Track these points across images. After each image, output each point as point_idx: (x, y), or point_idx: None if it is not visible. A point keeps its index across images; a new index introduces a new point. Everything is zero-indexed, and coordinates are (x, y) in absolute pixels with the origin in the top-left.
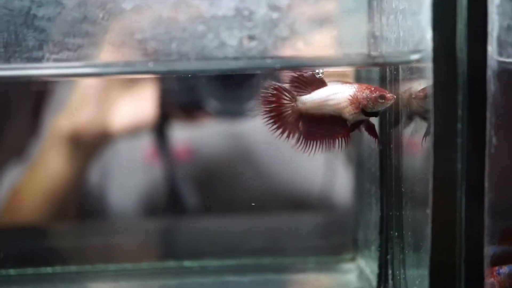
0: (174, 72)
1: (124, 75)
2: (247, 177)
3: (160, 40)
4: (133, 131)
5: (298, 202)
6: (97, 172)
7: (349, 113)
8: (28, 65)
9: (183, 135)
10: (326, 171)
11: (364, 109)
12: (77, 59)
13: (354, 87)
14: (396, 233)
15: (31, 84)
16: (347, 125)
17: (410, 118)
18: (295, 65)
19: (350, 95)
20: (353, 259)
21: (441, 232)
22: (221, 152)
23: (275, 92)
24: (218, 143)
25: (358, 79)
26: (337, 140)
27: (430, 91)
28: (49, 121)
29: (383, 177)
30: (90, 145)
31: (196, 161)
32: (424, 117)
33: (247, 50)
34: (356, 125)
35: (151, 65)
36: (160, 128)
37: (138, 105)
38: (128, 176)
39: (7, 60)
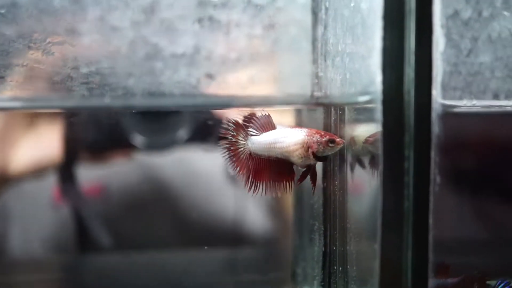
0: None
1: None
2: (163, 212)
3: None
4: (37, 172)
5: (212, 236)
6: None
7: (298, 156)
8: None
9: (94, 172)
10: (238, 206)
11: (315, 153)
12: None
13: (304, 131)
14: (340, 268)
15: None
16: (293, 169)
17: (355, 158)
18: (239, 103)
19: (301, 139)
20: None
21: (388, 266)
22: (134, 188)
23: (234, 127)
24: (130, 179)
25: (300, 118)
26: (282, 183)
27: (379, 135)
28: None
29: (326, 213)
30: None
31: (108, 198)
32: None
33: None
34: (307, 171)
35: (107, 101)
36: (66, 166)
37: (41, 143)
38: (32, 218)
39: None
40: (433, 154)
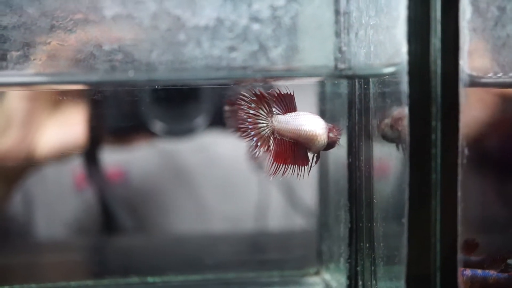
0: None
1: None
2: (182, 197)
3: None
4: (62, 156)
5: (233, 221)
6: (23, 197)
7: (321, 142)
8: None
9: (116, 157)
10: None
11: (328, 141)
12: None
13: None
14: (367, 245)
15: None
16: (307, 154)
17: (381, 131)
18: (262, 76)
19: (325, 125)
20: (317, 273)
21: (417, 241)
22: (155, 173)
23: (255, 99)
24: (151, 164)
25: (324, 93)
26: (299, 168)
27: (405, 110)
28: None
29: (352, 189)
30: (14, 171)
31: (129, 182)
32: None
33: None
34: (318, 157)
35: (131, 74)
36: (89, 151)
37: (66, 128)
38: (57, 201)
39: None
40: (461, 125)
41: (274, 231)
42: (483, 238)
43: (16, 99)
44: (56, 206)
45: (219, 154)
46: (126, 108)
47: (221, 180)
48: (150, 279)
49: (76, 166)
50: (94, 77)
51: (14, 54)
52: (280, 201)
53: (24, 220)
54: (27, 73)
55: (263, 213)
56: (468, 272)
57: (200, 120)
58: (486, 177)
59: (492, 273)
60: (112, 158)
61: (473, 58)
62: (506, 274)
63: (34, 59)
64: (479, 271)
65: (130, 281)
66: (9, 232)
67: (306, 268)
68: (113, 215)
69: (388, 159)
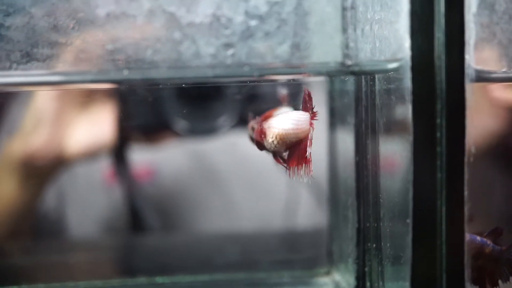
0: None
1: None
2: (210, 197)
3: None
4: (91, 154)
5: (264, 220)
6: (54, 196)
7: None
8: None
9: (144, 155)
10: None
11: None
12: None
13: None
14: (374, 245)
15: None
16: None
17: (387, 129)
18: (268, 73)
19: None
20: (328, 273)
21: (422, 241)
22: (183, 172)
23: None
24: (180, 163)
25: (332, 91)
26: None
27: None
28: (2, 144)
29: (359, 188)
30: (44, 169)
31: (157, 181)
32: None
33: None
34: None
35: (126, 73)
36: (118, 149)
37: (95, 126)
38: (86, 199)
39: None
40: (467, 122)
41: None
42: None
43: (45, 98)
44: (85, 204)
45: (248, 153)
46: (154, 106)
47: (250, 179)
48: (159, 279)
49: (105, 164)
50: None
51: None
52: (308, 200)
53: (53, 218)
54: (49, 72)
55: (291, 212)
56: (467, 236)
57: (225, 118)
58: (495, 176)
59: (489, 243)
60: (141, 156)
61: (480, 53)
62: (499, 247)
63: (57, 58)
64: (478, 238)
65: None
66: (39, 230)
67: (317, 268)
68: (140, 214)
69: (394, 157)
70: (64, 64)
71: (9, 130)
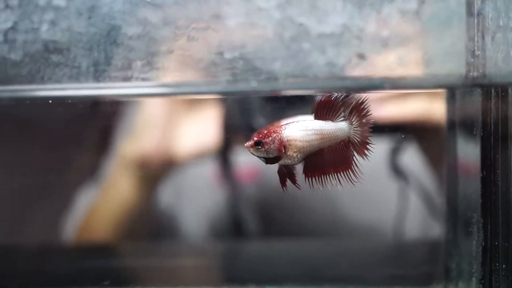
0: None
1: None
2: (317, 203)
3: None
4: (198, 156)
5: (369, 228)
6: (166, 195)
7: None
8: (116, 84)
9: (249, 157)
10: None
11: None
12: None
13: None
14: (504, 265)
15: (103, 105)
16: None
17: None
18: (386, 86)
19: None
20: None
21: None
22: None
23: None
24: None
25: (452, 102)
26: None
27: None
28: (118, 144)
29: (486, 204)
30: (155, 172)
31: (263, 183)
32: None
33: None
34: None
35: (254, 84)
36: (224, 150)
37: (202, 129)
38: (195, 200)
39: (96, 79)
40: None
41: (410, 243)
42: None
43: (154, 105)
44: (192, 206)
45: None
46: (259, 110)
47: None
48: None
49: (211, 167)
50: (217, 87)
51: (139, 63)
52: (420, 213)
53: (163, 220)
54: (150, 85)
55: (401, 223)
56: None
57: None
58: None
59: None
60: (246, 158)
61: None
62: None
63: (157, 68)
64: None
65: None
66: (151, 232)
67: (433, 285)
68: (243, 217)
69: None
70: (184, 73)
71: (124, 132)
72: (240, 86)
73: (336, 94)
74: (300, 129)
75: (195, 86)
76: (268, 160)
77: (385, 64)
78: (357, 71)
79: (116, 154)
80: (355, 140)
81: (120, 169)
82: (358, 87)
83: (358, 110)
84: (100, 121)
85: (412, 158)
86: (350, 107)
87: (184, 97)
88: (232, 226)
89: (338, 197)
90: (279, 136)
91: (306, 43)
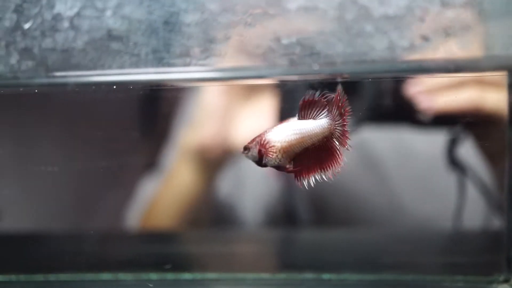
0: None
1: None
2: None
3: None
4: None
5: (427, 218)
6: (225, 183)
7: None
8: (175, 69)
9: None
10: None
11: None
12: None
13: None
14: None
15: (164, 91)
16: None
17: None
18: (449, 69)
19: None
20: (507, 281)
21: None
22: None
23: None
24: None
25: None
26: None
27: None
28: (179, 133)
29: None
30: (214, 160)
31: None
32: None
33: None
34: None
35: (316, 68)
36: None
37: (259, 118)
38: (252, 188)
39: (156, 65)
40: None
41: (465, 232)
42: None
43: (213, 93)
44: (248, 195)
45: (414, 148)
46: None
47: (416, 175)
48: (326, 275)
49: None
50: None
51: (197, 50)
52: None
53: (222, 208)
54: (209, 69)
55: (460, 213)
56: None
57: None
58: None
59: None
60: None
61: None
62: None
63: (215, 55)
64: None
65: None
66: (210, 219)
67: (494, 275)
68: (298, 206)
69: None
70: (241, 58)
71: (184, 121)
72: (300, 69)
73: (319, 93)
74: (280, 131)
75: (253, 70)
76: (257, 163)
77: (446, 48)
78: (418, 54)
79: (177, 143)
80: (337, 133)
81: (181, 158)
82: (419, 70)
83: (336, 102)
84: (161, 110)
85: (470, 149)
86: (331, 102)
87: (242, 82)
88: (289, 214)
89: (396, 188)
90: (261, 139)
91: (368, 25)
